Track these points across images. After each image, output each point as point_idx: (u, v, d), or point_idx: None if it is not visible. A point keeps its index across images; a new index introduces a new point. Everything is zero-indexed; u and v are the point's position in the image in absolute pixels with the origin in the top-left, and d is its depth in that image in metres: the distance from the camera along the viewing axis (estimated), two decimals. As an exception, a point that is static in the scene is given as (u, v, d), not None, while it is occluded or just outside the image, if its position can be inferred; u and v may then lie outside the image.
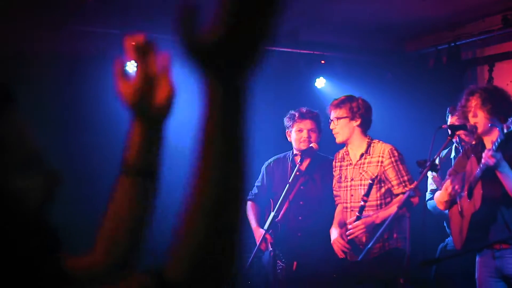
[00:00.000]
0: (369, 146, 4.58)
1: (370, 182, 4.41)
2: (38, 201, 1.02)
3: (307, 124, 4.87)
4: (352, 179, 4.61)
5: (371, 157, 4.55)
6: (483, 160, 3.81)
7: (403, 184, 4.45)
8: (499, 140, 3.78)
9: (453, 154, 5.01)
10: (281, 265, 4.79)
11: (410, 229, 3.93)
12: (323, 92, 6.91)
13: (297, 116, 4.88)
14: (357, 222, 4.42)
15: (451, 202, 4.18)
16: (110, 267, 1.21)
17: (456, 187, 4.06)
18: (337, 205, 4.76)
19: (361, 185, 4.52)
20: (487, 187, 3.87)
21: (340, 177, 4.71)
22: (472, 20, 6.49)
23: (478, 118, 3.96)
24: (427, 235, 4.40)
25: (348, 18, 6.46)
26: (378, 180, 4.49)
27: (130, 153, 1.22)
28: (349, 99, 4.64)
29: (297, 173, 4.74)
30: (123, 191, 1.22)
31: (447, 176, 4.30)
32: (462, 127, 4.22)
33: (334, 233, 4.58)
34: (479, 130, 3.97)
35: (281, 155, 5.15)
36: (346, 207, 4.62)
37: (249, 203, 5.12)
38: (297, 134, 4.87)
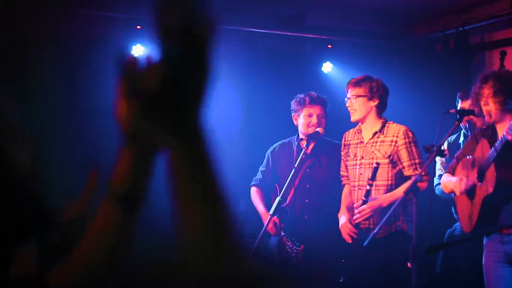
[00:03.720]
0: (383, 126, 4.56)
1: (375, 165, 4.39)
2: (26, 169, 1.04)
3: (317, 110, 4.85)
4: (362, 158, 4.58)
5: (385, 136, 4.52)
6: (504, 134, 3.75)
7: (414, 166, 4.42)
8: None
9: (461, 139, 4.98)
10: (296, 248, 4.77)
11: (416, 214, 3.90)
12: (329, 77, 6.88)
13: (307, 101, 4.85)
14: (363, 207, 4.41)
15: None
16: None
17: (467, 187, 4.02)
18: (343, 186, 4.74)
19: (371, 164, 4.48)
20: (501, 169, 3.82)
21: (349, 155, 4.68)
22: (480, 4, 6.43)
23: (490, 107, 3.93)
24: (434, 221, 4.38)
25: (355, 2, 6.41)
26: (391, 160, 4.46)
27: (116, 179, 1.13)
28: (369, 78, 4.61)
29: (303, 156, 4.73)
30: (104, 216, 1.16)
31: (454, 160, 4.28)
32: (470, 112, 4.19)
33: (342, 218, 4.57)
34: (491, 118, 3.94)
35: (286, 140, 5.12)
36: (354, 186, 4.60)
37: (254, 189, 5.11)
38: (306, 119, 4.85)
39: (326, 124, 4.90)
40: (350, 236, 4.46)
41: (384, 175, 4.46)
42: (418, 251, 3.77)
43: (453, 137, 5.02)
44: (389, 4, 6.46)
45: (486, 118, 3.99)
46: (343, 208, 4.63)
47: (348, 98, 4.60)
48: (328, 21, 6.88)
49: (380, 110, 4.59)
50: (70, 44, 5.78)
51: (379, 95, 4.54)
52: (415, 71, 6.84)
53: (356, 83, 4.59)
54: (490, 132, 4.03)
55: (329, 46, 6.88)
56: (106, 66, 5.99)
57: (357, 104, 4.55)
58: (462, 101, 4.87)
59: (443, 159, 4.88)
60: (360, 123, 4.64)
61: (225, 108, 6.48)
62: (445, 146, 4.90)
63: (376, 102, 4.54)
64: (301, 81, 6.50)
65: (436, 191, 4.86)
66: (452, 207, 4.80)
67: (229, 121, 6.47)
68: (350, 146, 4.69)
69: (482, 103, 3.96)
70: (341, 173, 4.77)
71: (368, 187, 4.40)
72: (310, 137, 4.83)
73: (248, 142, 6.50)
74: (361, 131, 4.65)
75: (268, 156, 5.12)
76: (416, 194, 3.92)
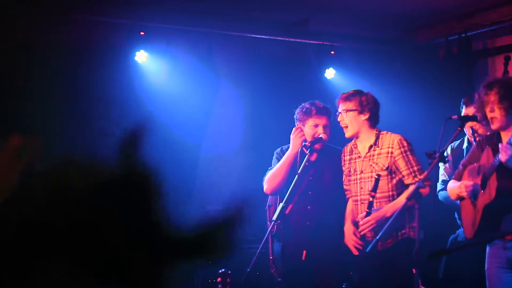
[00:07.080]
0: (377, 138, 4.58)
1: (376, 177, 4.41)
2: None
3: (323, 120, 4.82)
4: (361, 172, 4.60)
5: (381, 149, 4.54)
6: (499, 155, 3.75)
7: (413, 174, 4.44)
8: None
9: (465, 145, 4.98)
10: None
11: (419, 220, 3.90)
12: (332, 83, 6.89)
13: (314, 111, 4.81)
14: (367, 218, 4.42)
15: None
16: None
17: (470, 188, 4.02)
18: (347, 199, 4.75)
19: (371, 177, 4.51)
20: (502, 178, 3.82)
21: (350, 171, 4.70)
22: (483, 10, 6.44)
23: (495, 113, 3.91)
24: (437, 227, 4.38)
25: (358, 7, 6.43)
26: (389, 171, 4.48)
27: None
28: (358, 92, 4.65)
29: (307, 163, 4.73)
30: None
31: (460, 167, 4.27)
32: (473, 118, 4.19)
33: (348, 231, 4.58)
34: (496, 125, 3.93)
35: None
36: (356, 200, 4.61)
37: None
38: (312, 130, 4.81)
39: (330, 133, 4.90)
40: (356, 248, 4.47)
41: (384, 187, 4.48)
42: (421, 256, 3.77)
43: (456, 143, 5.01)
44: (392, 9, 6.48)
45: (490, 125, 3.98)
46: (348, 221, 4.64)
47: (339, 113, 4.63)
48: (331, 27, 6.90)
49: (372, 123, 4.61)
50: (73, 50, 5.80)
51: (370, 108, 4.57)
52: (418, 77, 6.85)
53: (346, 98, 4.63)
54: (494, 140, 4.02)
55: (332, 52, 6.89)
56: (109, 72, 6.01)
57: (347, 119, 4.58)
58: (466, 106, 4.86)
59: (447, 165, 4.87)
60: (354, 138, 4.66)
61: (229, 113, 6.50)
62: (448, 152, 4.90)
63: (367, 116, 4.57)
64: (304, 87, 6.52)
65: (439, 197, 4.86)
66: (456, 213, 4.80)
67: (233, 126, 6.49)
68: (350, 161, 4.71)
69: (487, 109, 3.94)
70: (344, 187, 4.77)
71: (370, 199, 4.42)
72: (313, 143, 4.83)
73: (251, 147, 6.51)
74: (357, 146, 4.67)
75: (276, 156, 5.08)
76: (419, 200, 3.92)
